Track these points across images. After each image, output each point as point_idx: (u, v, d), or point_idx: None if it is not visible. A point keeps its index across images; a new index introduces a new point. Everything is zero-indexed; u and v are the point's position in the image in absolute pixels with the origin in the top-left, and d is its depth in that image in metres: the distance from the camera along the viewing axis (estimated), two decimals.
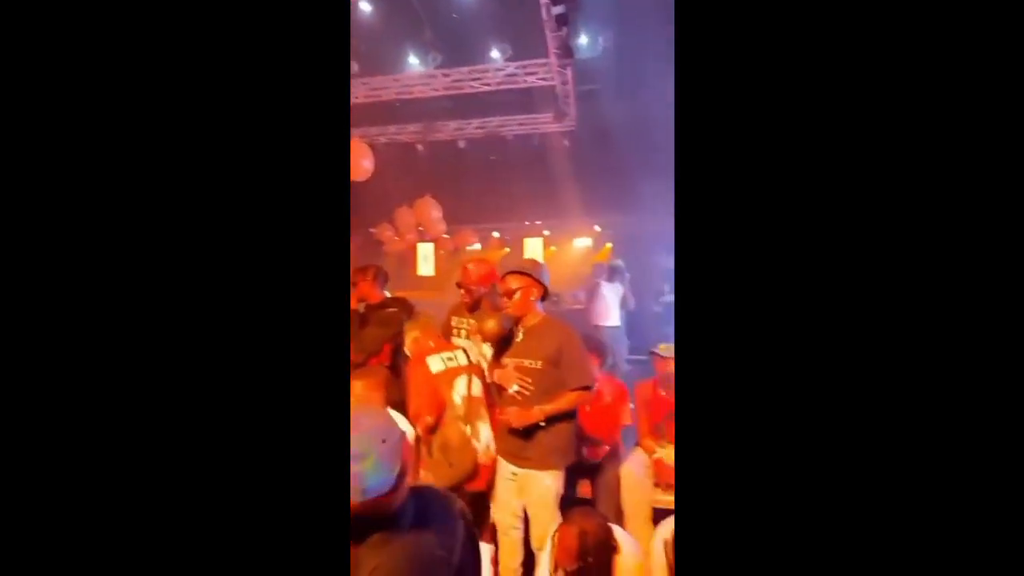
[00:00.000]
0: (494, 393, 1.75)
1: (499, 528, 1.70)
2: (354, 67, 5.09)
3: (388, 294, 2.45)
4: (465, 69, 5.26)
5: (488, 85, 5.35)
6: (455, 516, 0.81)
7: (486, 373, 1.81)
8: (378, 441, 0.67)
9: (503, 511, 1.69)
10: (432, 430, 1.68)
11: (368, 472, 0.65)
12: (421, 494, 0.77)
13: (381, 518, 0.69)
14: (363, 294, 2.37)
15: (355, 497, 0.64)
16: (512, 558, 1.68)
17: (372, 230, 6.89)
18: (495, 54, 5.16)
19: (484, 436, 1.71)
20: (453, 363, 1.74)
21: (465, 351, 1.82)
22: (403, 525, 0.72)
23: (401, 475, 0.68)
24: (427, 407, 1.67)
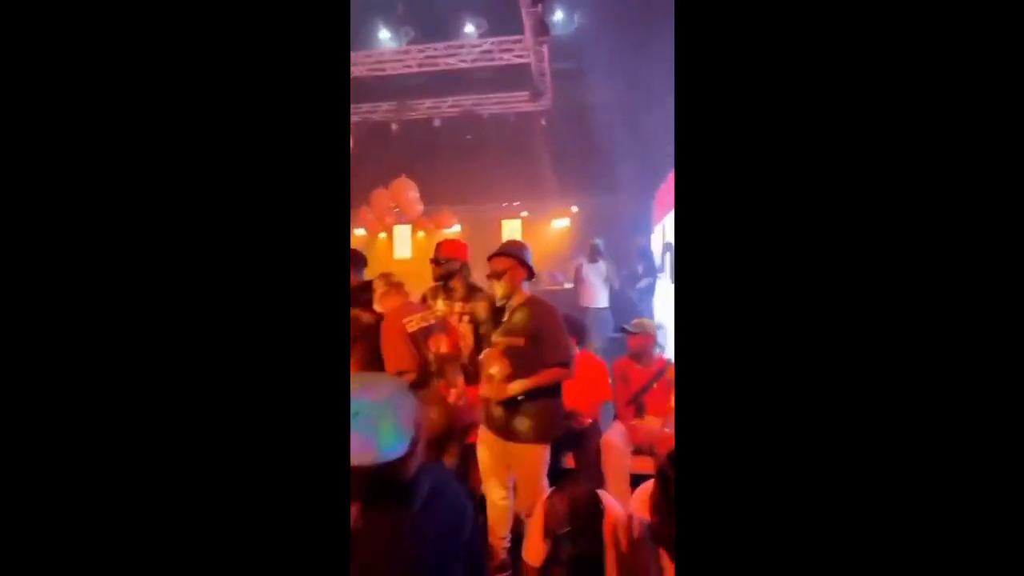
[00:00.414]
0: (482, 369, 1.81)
1: (488, 500, 1.77)
2: None
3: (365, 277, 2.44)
4: (439, 45, 5.10)
5: (463, 62, 5.22)
6: (465, 495, 0.84)
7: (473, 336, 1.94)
8: (393, 406, 0.70)
9: (492, 483, 1.76)
10: (414, 386, 1.76)
11: (384, 436, 0.68)
12: (435, 472, 0.80)
13: (396, 484, 0.72)
14: None
15: (369, 460, 0.67)
16: (502, 527, 1.76)
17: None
18: (469, 29, 5.02)
19: (458, 385, 1.87)
20: (425, 323, 1.90)
21: (433, 311, 1.97)
22: (418, 498, 0.74)
23: (415, 441, 0.71)
24: (407, 365, 1.75)
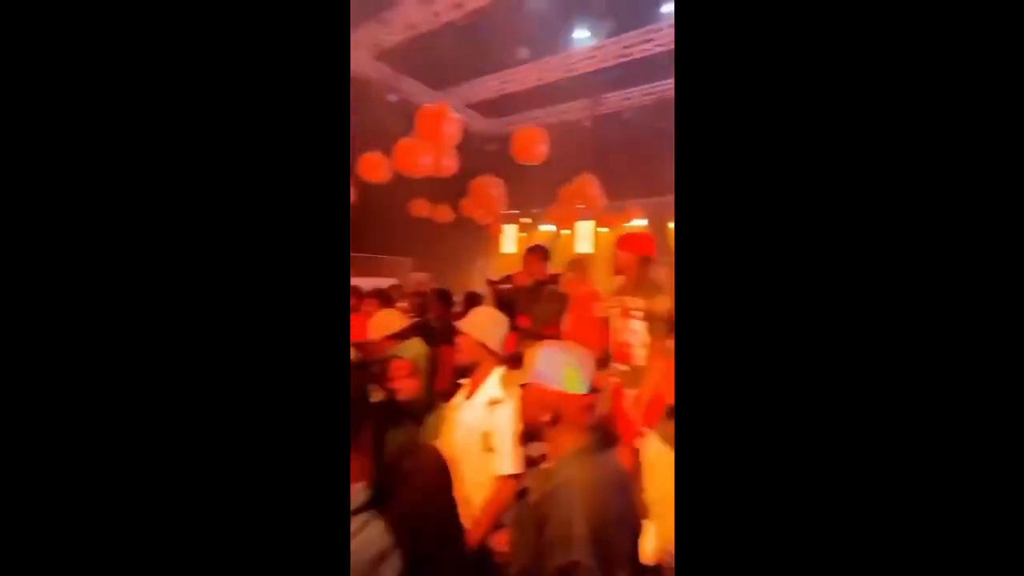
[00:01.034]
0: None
1: (652, 512, 1.69)
2: (524, 52, 5.31)
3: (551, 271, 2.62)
4: (632, 33, 4.94)
5: (661, 45, 4.92)
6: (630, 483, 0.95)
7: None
8: (578, 357, 0.87)
9: (659, 493, 1.67)
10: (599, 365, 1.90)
11: (569, 379, 0.85)
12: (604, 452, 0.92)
13: (580, 422, 0.86)
14: (534, 271, 2.60)
15: (556, 388, 0.85)
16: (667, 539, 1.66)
17: (536, 210, 7.24)
18: (667, 9, 4.69)
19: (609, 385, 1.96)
20: (606, 313, 2.06)
21: (611, 303, 2.09)
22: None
23: (594, 390, 0.87)
24: (593, 345, 1.87)
